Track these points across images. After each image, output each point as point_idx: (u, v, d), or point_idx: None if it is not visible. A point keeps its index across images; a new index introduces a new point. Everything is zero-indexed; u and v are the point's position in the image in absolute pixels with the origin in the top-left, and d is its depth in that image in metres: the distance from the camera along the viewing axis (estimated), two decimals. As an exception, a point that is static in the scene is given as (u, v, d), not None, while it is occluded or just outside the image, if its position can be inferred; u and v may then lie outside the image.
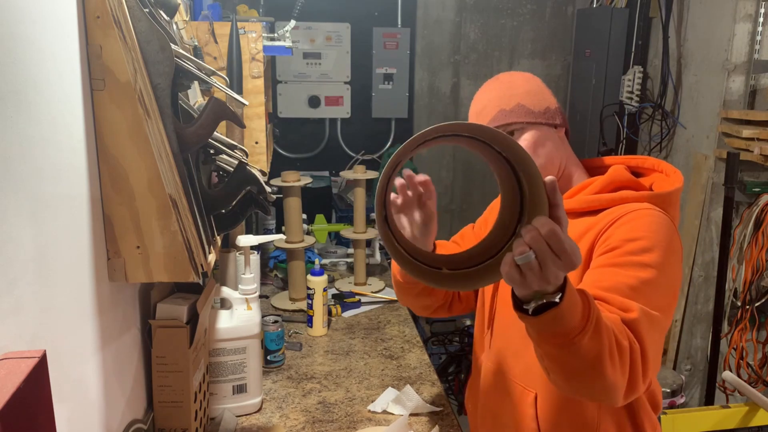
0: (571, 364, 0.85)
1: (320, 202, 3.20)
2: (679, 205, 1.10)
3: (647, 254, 0.97)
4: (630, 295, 0.93)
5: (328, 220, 2.96)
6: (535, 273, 0.75)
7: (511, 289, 0.82)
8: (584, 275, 1.01)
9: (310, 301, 1.90)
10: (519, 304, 0.83)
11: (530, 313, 0.81)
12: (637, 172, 1.17)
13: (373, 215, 3.14)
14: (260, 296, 1.71)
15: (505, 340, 1.17)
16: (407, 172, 1.08)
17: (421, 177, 1.09)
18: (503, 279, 0.78)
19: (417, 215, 1.11)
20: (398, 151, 0.79)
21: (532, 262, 0.74)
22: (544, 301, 0.79)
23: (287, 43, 1.61)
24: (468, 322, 3.36)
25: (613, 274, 0.96)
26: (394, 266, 1.25)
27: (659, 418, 1.17)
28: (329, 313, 2.03)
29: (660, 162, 1.16)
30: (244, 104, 1.13)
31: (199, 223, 0.92)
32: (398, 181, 1.09)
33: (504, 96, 1.13)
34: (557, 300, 0.79)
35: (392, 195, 1.09)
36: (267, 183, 1.14)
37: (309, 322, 1.92)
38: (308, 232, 2.36)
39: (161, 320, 1.15)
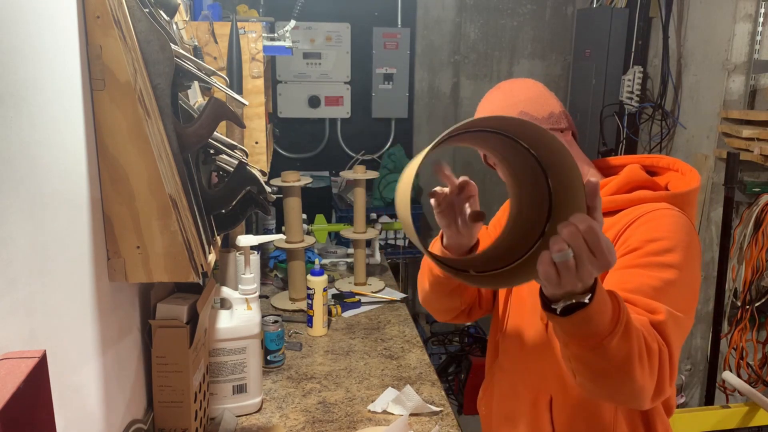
0: (600, 366, 0.83)
1: (320, 202, 3.20)
2: (696, 204, 1.09)
3: (669, 254, 0.96)
4: (654, 296, 0.93)
5: (328, 220, 2.96)
6: (571, 271, 0.74)
7: (540, 289, 0.81)
8: (606, 276, 1.00)
9: (310, 301, 1.90)
10: (547, 304, 0.81)
11: (558, 313, 0.80)
12: (651, 171, 1.16)
13: (373, 215, 3.15)
14: (260, 296, 1.71)
15: (519, 344, 1.16)
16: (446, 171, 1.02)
17: (462, 178, 1.04)
18: (540, 277, 0.76)
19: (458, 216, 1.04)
20: (420, 155, 0.79)
21: (569, 261, 0.73)
22: (573, 301, 0.78)
23: (287, 43, 1.61)
24: (468, 323, 3.36)
25: (636, 275, 0.95)
26: (429, 262, 1.17)
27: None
28: (329, 313, 2.03)
29: (676, 161, 1.14)
30: (244, 104, 1.13)
31: (199, 223, 0.92)
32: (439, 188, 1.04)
33: (505, 106, 1.12)
34: (586, 301, 0.77)
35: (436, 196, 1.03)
36: (267, 183, 1.14)
37: (309, 322, 1.92)
38: (308, 232, 2.36)
39: (161, 320, 1.15)
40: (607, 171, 1.19)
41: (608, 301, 0.80)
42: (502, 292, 1.23)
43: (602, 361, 0.82)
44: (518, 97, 1.13)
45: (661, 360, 0.87)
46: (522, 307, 1.15)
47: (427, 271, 1.21)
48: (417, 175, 0.88)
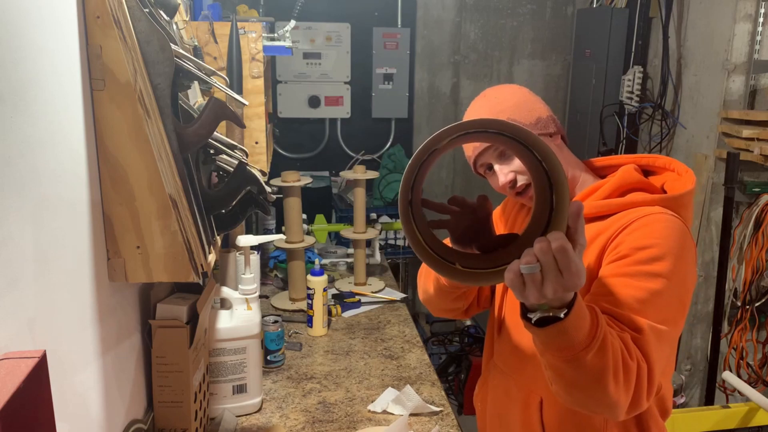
0: (573, 378, 0.86)
1: (320, 202, 3.20)
2: (692, 206, 1.07)
3: (658, 263, 0.95)
4: (639, 309, 0.93)
5: (328, 220, 2.96)
6: (536, 285, 0.76)
7: None
8: (593, 283, 1.00)
9: (310, 301, 1.90)
10: (525, 313, 0.83)
11: (534, 323, 0.82)
12: (648, 171, 1.15)
13: (373, 215, 3.15)
14: (260, 296, 1.71)
15: (512, 344, 1.16)
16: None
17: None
18: (506, 283, 0.78)
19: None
20: (434, 136, 0.78)
21: (535, 275, 0.75)
22: (550, 314, 0.80)
23: (287, 43, 1.61)
24: (468, 322, 3.36)
25: (622, 286, 0.95)
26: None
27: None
28: (329, 313, 2.03)
29: (672, 161, 1.13)
30: (244, 104, 1.13)
31: (199, 223, 0.92)
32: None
33: (492, 113, 1.11)
34: (561, 316, 0.79)
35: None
36: (267, 183, 1.14)
37: (309, 322, 1.92)
38: (308, 232, 2.36)
39: (161, 320, 1.15)
40: (604, 171, 1.18)
41: (586, 316, 0.82)
42: (498, 293, 1.23)
43: (576, 374, 0.85)
44: (504, 104, 1.12)
45: (638, 376, 0.88)
46: (516, 309, 1.15)
47: (433, 279, 1.22)
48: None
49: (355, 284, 2.29)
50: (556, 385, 0.90)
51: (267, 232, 2.63)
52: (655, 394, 1.04)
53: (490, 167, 1.13)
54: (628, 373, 0.86)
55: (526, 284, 0.76)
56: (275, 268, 2.40)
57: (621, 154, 3.12)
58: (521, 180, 1.09)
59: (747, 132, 2.42)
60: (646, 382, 0.89)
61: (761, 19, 2.50)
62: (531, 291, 0.76)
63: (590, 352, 0.82)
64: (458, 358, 3.10)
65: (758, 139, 2.37)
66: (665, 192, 1.08)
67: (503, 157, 1.10)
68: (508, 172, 1.09)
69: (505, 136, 0.83)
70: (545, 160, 0.81)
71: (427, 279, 1.26)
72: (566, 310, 0.79)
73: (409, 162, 0.83)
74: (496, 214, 1.33)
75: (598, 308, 0.93)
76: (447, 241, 1.03)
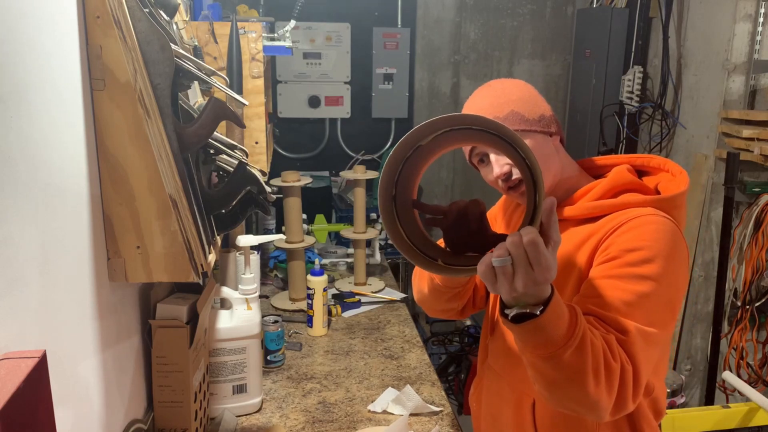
0: (552, 377, 0.86)
1: (320, 202, 3.20)
2: (685, 207, 1.07)
3: (647, 265, 0.95)
4: (626, 311, 0.93)
5: (328, 220, 2.96)
6: (507, 278, 0.77)
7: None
8: (582, 284, 1.00)
9: (310, 301, 1.90)
10: (503, 309, 0.84)
11: (510, 318, 0.83)
12: (642, 171, 1.15)
13: (374, 215, 3.15)
14: (260, 296, 1.71)
15: (506, 346, 1.16)
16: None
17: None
18: (479, 275, 0.80)
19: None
20: (412, 132, 0.79)
21: (506, 267, 0.76)
22: (526, 311, 0.81)
23: (287, 43, 1.61)
24: (468, 323, 3.36)
25: (610, 288, 0.95)
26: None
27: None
28: (329, 313, 2.03)
29: (666, 161, 1.13)
30: (244, 104, 1.13)
31: (199, 223, 0.92)
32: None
33: (496, 103, 1.09)
34: (537, 313, 0.80)
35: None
36: (267, 183, 1.14)
37: (309, 322, 1.92)
38: (308, 232, 2.36)
39: (161, 320, 1.15)
40: (599, 170, 1.17)
41: (564, 314, 0.83)
42: (492, 294, 1.23)
43: (554, 372, 0.85)
44: (510, 96, 1.10)
45: (622, 378, 0.88)
46: None
47: (427, 279, 1.23)
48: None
49: (355, 284, 2.29)
50: (537, 384, 0.91)
51: (267, 232, 2.63)
52: (646, 395, 1.05)
53: (484, 159, 1.11)
54: (611, 374, 0.87)
55: (497, 277, 0.78)
56: (275, 268, 2.40)
57: (621, 154, 3.12)
58: (516, 173, 1.08)
59: (747, 132, 2.42)
60: (631, 384, 0.89)
61: (761, 19, 2.50)
62: (502, 284, 0.78)
63: (568, 350, 0.82)
64: (458, 358, 3.10)
65: (758, 139, 2.37)
66: (659, 192, 1.08)
67: None
68: (504, 163, 1.07)
69: (489, 134, 0.83)
70: (527, 157, 0.82)
71: (422, 279, 1.26)
72: (542, 307, 0.80)
73: (388, 158, 0.84)
74: (497, 209, 1.32)
75: (586, 309, 0.94)
76: (441, 242, 1.03)
